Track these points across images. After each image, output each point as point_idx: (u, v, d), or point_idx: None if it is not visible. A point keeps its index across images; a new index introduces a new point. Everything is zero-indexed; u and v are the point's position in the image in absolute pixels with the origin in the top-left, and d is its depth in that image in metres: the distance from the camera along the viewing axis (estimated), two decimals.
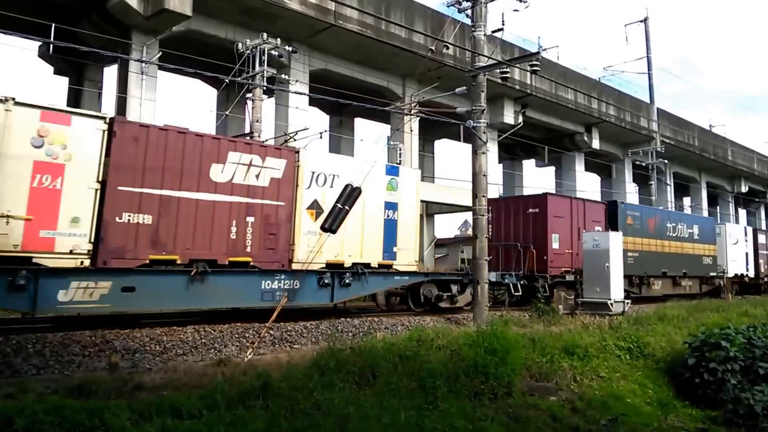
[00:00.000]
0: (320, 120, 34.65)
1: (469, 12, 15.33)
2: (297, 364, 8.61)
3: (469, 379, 9.19)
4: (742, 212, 59.98)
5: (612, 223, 22.00)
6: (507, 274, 18.59)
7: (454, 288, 16.48)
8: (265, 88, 20.44)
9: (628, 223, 22.66)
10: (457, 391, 8.80)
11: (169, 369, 8.69)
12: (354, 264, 14.39)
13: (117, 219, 10.88)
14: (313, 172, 13.87)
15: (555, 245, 19.73)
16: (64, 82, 25.28)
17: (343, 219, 14.15)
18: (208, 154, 12.20)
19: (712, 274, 28.13)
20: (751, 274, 31.96)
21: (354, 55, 26.00)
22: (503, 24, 15.74)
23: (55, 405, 6.18)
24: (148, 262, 11.18)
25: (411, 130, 28.23)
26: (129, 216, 11.04)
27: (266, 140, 20.50)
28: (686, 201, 53.33)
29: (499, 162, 39.35)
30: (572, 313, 16.76)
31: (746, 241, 31.95)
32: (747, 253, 31.83)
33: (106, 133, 10.96)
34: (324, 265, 13.85)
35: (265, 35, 19.99)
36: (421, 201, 19.78)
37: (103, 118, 11.06)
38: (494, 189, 28.62)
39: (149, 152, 11.41)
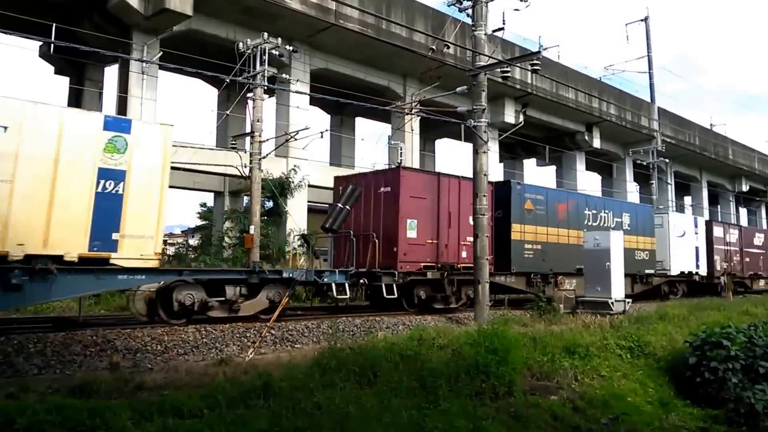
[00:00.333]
0: (321, 119, 34.70)
1: (469, 11, 15.31)
2: (298, 364, 8.62)
3: (470, 379, 9.18)
4: (743, 211, 59.94)
5: (504, 208, 18.42)
6: (330, 271, 14.62)
7: (231, 291, 12.45)
8: (265, 87, 20.43)
9: (526, 208, 18.90)
10: (458, 391, 8.80)
11: (171, 369, 8.70)
12: (31, 256, 9.75)
13: None
14: None
15: (410, 234, 15.48)
16: (64, 81, 25.33)
17: None
18: None
19: (648, 271, 24.08)
20: (703, 272, 27.75)
21: (355, 55, 26.01)
22: (504, 23, 15.72)
23: (57, 405, 6.18)
24: None
25: (412, 130, 28.24)
26: None
27: (267, 140, 20.53)
28: (687, 200, 53.33)
29: (500, 161, 39.42)
30: (573, 312, 16.75)
31: (696, 233, 27.60)
32: (697, 248, 27.25)
33: None
34: None
35: (265, 35, 19.96)
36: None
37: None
38: None
39: None
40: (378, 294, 15.09)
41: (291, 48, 21.05)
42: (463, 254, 16.65)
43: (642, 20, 42.15)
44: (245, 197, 25.42)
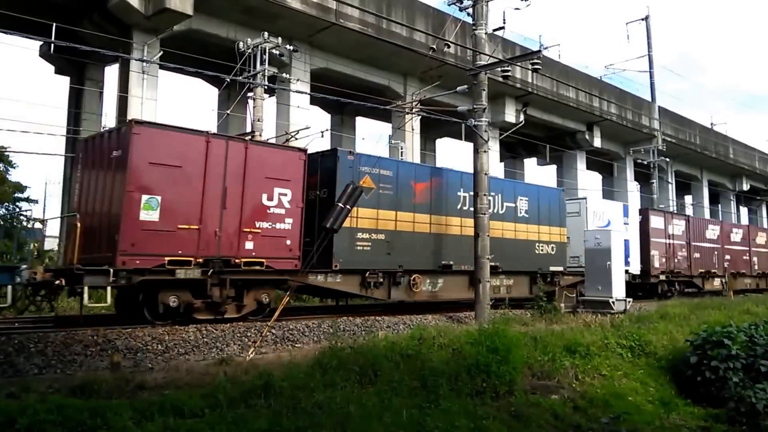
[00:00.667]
0: (322, 119, 34.70)
1: (470, 11, 15.32)
2: (299, 363, 8.61)
3: (471, 378, 9.19)
4: (744, 210, 59.89)
5: (330, 186, 14.41)
6: None
7: None
8: (266, 87, 20.44)
9: (364, 185, 14.30)
10: (458, 390, 8.80)
11: (171, 368, 8.70)
12: None
13: None
14: None
15: (146, 215, 11.18)
16: (65, 81, 25.34)
17: None
18: None
19: (555, 268, 19.61)
20: (635, 269, 23.65)
21: (355, 54, 26.00)
22: (504, 22, 15.73)
23: (57, 404, 6.19)
24: None
25: (412, 129, 28.22)
26: None
27: (268, 139, 20.52)
28: (688, 199, 53.31)
29: (501, 161, 39.43)
30: (574, 311, 16.75)
31: (626, 223, 23.53)
32: (627, 241, 22.33)
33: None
34: None
35: (266, 34, 19.99)
36: None
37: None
38: None
39: None
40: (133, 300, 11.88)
41: (291, 47, 21.08)
42: (248, 245, 12.46)
43: (642, 19, 42.18)
44: None
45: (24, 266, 11.16)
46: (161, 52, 20.88)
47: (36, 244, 19.81)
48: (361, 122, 36.53)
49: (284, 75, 22.15)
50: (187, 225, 11.70)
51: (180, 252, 11.56)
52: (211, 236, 11.98)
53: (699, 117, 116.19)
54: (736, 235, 31.97)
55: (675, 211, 32.54)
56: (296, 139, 21.26)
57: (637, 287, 23.88)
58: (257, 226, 12.67)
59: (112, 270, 10.67)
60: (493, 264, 15.85)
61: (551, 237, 19.83)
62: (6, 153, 28.51)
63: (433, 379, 8.71)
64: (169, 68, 22.60)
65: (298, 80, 23.58)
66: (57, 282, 10.85)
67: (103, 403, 6.50)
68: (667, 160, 40.00)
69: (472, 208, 16.04)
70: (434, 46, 18.71)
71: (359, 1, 23.05)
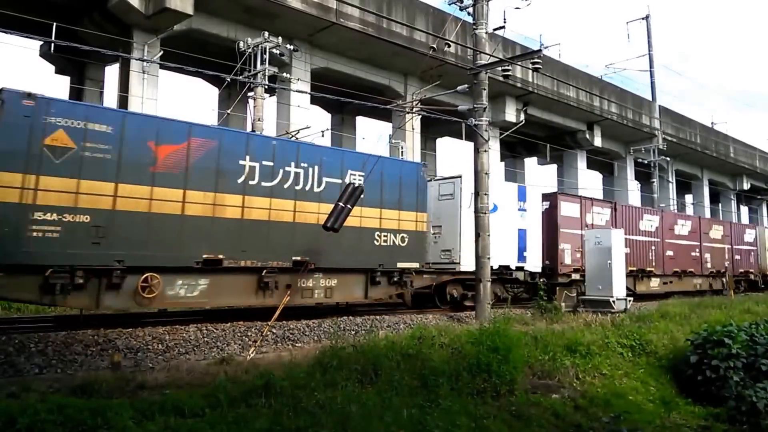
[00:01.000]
0: (322, 118, 34.70)
1: (470, 10, 15.31)
2: (299, 363, 8.61)
3: (472, 377, 9.19)
4: (744, 209, 59.89)
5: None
6: None
7: None
8: (266, 86, 20.45)
9: (54, 143, 10.27)
10: (459, 389, 8.81)
11: (172, 368, 8.70)
12: None
13: None
14: None
15: None
16: (65, 81, 25.35)
17: None
18: None
19: (405, 264, 15.26)
20: (534, 266, 18.67)
21: (355, 54, 26.00)
22: (505, 22, 15.70)
23: (58, 404, 6.19)
24: None
25: (413, 129, 28.22)
26: None
27: None
28: (688, 198, 53.31)
29: (501, 160, 39.40)
30: (574, 310, 16.76)
31: (523, 210, 18.50)
32: (523, 232, 18.31)
33: None
34: None
35: (266, 34, 20.00)
36: None
37: None
38: None
39: None
40: None
41: (291, 47, 21.09)
42: None
43: (643, 18, 42.11)
44: None
45: None
46: (161, 52, 20.89)
47: None
48: (361, 122, 36.58)
49: (284, 74, 22.16)
50: None
51: None
52: None
53: (699, 116, 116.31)
54: (683, 227, 27.18)
55: (598, 198, 26.24)
56: (297, 138, 21.28)
57: (534, 288, 17.27)
58: None
59: None
60: (297, 258, 13.14)
61: (402, 225, 15.26)
62: None
63: (433, 379, 8.71)
64: (170, 68, 22.62)
65: (298, 80, 23.59)
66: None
67: (103, 403, 6.50)
68: (668, 159, 39.97)
69: (264, 184, 12.86)
70: (434, 46, 18.73)
71: (359, 0, 23.06)
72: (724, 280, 28.74)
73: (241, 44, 20.24)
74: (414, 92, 27.15)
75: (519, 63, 21.93)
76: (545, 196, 20.49)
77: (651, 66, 41.43)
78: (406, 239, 15.47)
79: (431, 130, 36.32)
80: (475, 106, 15.17)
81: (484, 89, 15.25)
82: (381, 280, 14.97)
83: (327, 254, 13.69)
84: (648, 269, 24.13)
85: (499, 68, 16.47)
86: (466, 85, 15.52)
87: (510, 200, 18.30)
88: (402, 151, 24.52)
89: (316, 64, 25.22)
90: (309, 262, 13.40)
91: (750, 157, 51.81)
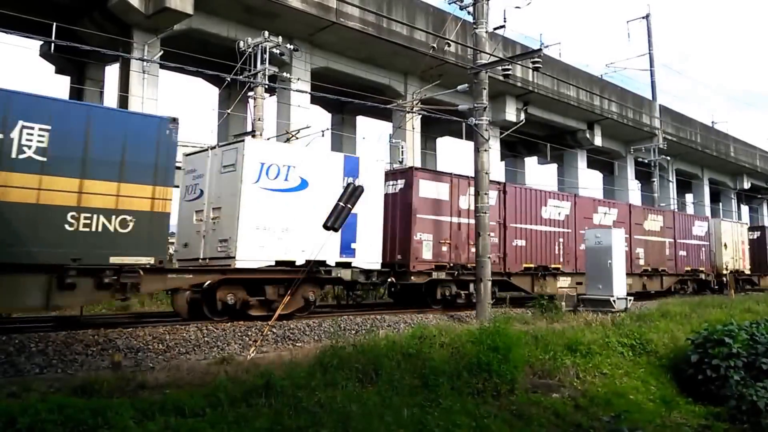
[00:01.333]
0: (322, 118, 34.70)
1: (470, 9, 15.32)
2: (300, 363, 8.61)
3: (472, 377, 9.19)
4: (745, 209, 59.89)
5: None
6: None
7: None
8: (266, 86, 20.44)
9: None
10: (459, 389, 8.80)
11: (172, 367, 8.69)
12: None
13: None
14: None
15: None
16: (65, 81, 25.35)
17: None
18: None
19: (124, 260, 10.52)
20: (370, 262, 14.48)
21: (355, 53, 26.01)
22: (505, 21, 15.73)
23: (59, 404, 6.18)
24: None
25: (413, 128, 28.24)
26: None
27: (268, 138, 20.54)
28: (689, 197, 53.32)
29: (501, 159, 39.39)
30: (575, 310, 16.75)
31: (350, 184, 14.13)
32: (354, 218, 14.06)
33: None
34: None
35: (266, 33, 20.00)
36: None
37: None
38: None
39: None
40: None
41: (292, 46, 21.08)
42: None
43: (643, 17, 42.14)
44: None
45: None
46: (161, 52, 20.90)
47: None
48: (361, 121, 36.58)
49: (285, 74, 22.17)
50: None
51: None
52: None
53: (700, 115, 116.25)
54: (606, 216, 22.55)
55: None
56: (297, 138, 21.28)
57: (353, 286, 15.02)
58: None
59: None
60: None
61: (124, 202, 10.57)
62: None
63: (434, 378, 8.71)
64: (170, 68, 22.61)
65: (298, 79, 23.59)
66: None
67: (104, 403, 6.50)
68: (668, 158, 39.99)
69: (21, 157, 9.44)
70: (435, 45, 18.75)
71: (359, 0, 23.07)
72: (725, 279, 28.67)
73: (241, 44, 20.24)
74: (414, 92, 27.15)
75: (519, 62, 21.95)
76: (398, 173, 16.68)
77: (651, 65, 41.48)
78: (131, 223, 10.65)
79: (431, 130, 36.33)
80: (476, 105, 15.18)
81: (485, 89, 15.25)
82: (78, 281, 10.09)
83: None
84: (553, 266, 19.83)
85: (500, 67, 16.47)
86: (466, 85, 15.52)
87: (331, 175, 13.93)
88: (402, 151, 24.53)
89: (316, 64, 25.23)
90: None
91: (750, 157, 51.81)
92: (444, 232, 16.53)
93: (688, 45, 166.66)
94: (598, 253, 17.96)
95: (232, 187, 12.67)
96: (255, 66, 19.99)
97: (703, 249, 28.09)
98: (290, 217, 12.97)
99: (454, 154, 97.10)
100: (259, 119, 20.08)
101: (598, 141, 38.35)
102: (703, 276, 27.53)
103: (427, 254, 16.06)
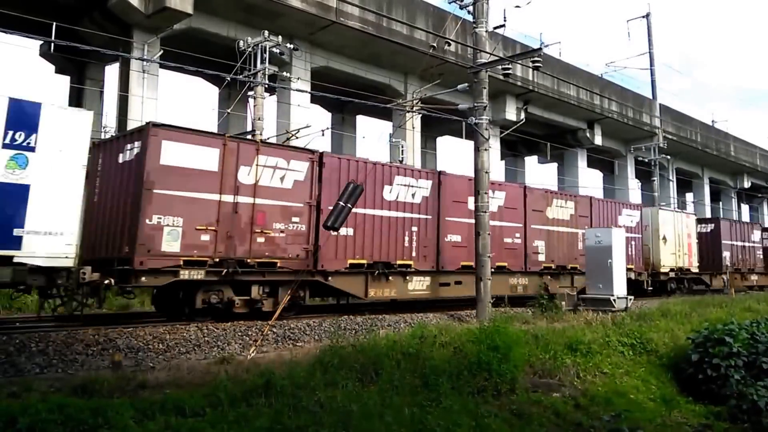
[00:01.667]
0: (322, 117, 34.69)
1: (470, 9, 15.32)
2: (300, 362, 8.62)
3: (472, 376, 9.19)
4: (745, 208, 59.89)
5: None
6: None
7: None
8: (266, 85, 20.43)
9: None
10: (460, 388, 8.80)
11: (173, 367, 8.70)
12: None
13: None
14: None
15: None
16: (65, 81, 25.34)
17: None
18: None
19: None
20: (52, 256, 9.79)
21: (355, 53, 25.99)
22: (505, 20, 15.73)
23: (59, 404, 6.19)
24: None
25: (413, 127, 28.22)
26: None
27: (268, 138, 20.53)
28: (689, 197, 53.31)
29: (502, 159, 39.37)
30: (575, 309, 16.75)
31: (20, 146, 9.59)
32: (15, 190, 9.52)
33: None
34: None
35: (266, 33, 19.98)
36: None
37: None
38: None
39: None
40: None
41: (292, 46, 21.07)
42: None
43: (643, 17, 42.11)
44: None
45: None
46: (161, 51, 20.89)
47: None
48: (361, 121, 36.56)
49: (285, 74, 22.17)
50: None
51: None
52: None
53: (700, 114, 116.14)
54: (492, 201, 16.42)
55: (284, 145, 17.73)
56: (297, 138, 21.27)
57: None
58: None
59: None
60: None
61: None
62: None
63: (434, 378, 8.71)
64: (170, 67, 22.58)
65: (298, 79, 23.59)
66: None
67: (104, 403, 6.50)
68: (668, 157, 39.96)
69: None
70: (435, 45, 18.73)
71: None
72: (724, 277, 28.62)
73: (241, 43, 20.23)
74: (414, 91, 27.13)
75: (519, 62, 21.95)
76: (135, 134, 12.35)
77: (651, 64, 41.46)
78: None
79: (432, 129, 36.32)
80: (476, 104, 15.18)
81: (485, 88, 15.25)
82: None
83: None
84: (399, 263, 15.53)
85: (500, 67, 16.48)
86: (466, 84, 15.52)
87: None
88: (402, 150, 24.54)
89: (316, 63, 25.21)
90: None
91: (751, 156, 51.81)
92: (207, 215, 12.15)
93: (688, 45, 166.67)
94: (598, 253, 17.97)
95: None
96: (255, 65, 19.99)
97: (633, 242, 23.35)
98: None
99: (454, 153, 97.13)
100: (259, 119, 20.08)
101: (598, 140, 38.33)
102: (632, 275, 22.25)
103: (170, 245, 11.63)
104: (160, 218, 11.51)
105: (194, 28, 21.83)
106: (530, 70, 27.70)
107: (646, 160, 36.67)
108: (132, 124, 18.87)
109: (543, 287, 19.06)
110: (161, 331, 10.82)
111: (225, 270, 12.24)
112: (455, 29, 19.05)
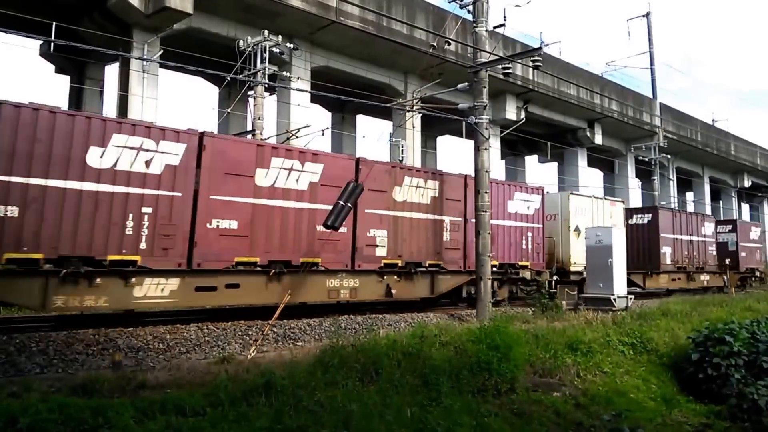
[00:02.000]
0: (322, 117, 34.70)
1: (470, 8, 15.30)
2: (300, 362, 8.61)
3: (473, 376, 9.18)
4: (746, 207, 59.88)
5: None
6: None
7: None
8: (266, 85, 20.43)
9: None
10: (460, 388, 8.80)
11: (173, 367, 8.71)
12: None
13: None
14: None
15: None
16: (65, 80, 25.34)
17: None
18: None
19: None
20: None
21: (355, 52, 25.98)
22: (505, 20, 15.72)
23: (59, 403, 6.19)
24: None
25: (413, 127, 28.21)
26: None
27: (268, 137, 20.52)
28: (689, 196, 53.30)
29: (502, 158, 39.39)
30: (575, 309, 16.76)
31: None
32: None
33: None
34: None
35: (266, 32, 19.97)
36: None
37: None
38: None
39: None
40: None
41: (292, 46, 21.07)
42: None
43: (644, 16, 42.10)
44: None
45: None
46: (161, 51, 20.88)
47: None
48: (361, 120, 36.57)
49: (285, 73, 22.16)
50: None
51: None
52: None
53: (700, 114, 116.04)
54: (300, 176, 13.44)
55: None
56: (297, 137, 21.27)
57: None
58: None
59: None
60: None
61: None
62: None
63: (434, 377, 8.70)
64: (170, 67, 22.58)
65: (298, 78, 23.58)
66: None
67: (104, 402, 6.50)
68: (669, 156, 39.91)
69: None
70: (435, 44, 18.71)
71: None
72: (725, 276, 28.58)
73: (241, 43, 20.22)
74: (414, 90, 27.13)
75: (519, 61, 21.92)
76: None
77: (651, 64, 41.42)
78: None
79: (432, 129, 36.31)
80: (476, 104, 15.17)
81: (485, 87, 15.24)
82: None
83: None
84: (115, 258, 10.83)
85: (500, 66, 16.45)
86: (466, 84, 15.51)
87: None
88: (402, 150, 24.54)
89: (316, 63, 25.20)
90: None
91: (751, 155, 51.79)
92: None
93: (688, 44, 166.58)
94: (598, 252, 17.96)
95: None
96: (255, 65, 19.99)
97: (530, 234, 18.78)
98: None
99: (454, 152, 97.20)
100: (259, 118, 20.08)
101: (598, 139, 38.31)
102: (527, 274, 18.46)
103: None
104: None
105: (194, 27, 21.82)
106: (530, 69, 27.69)
107: (647, 160, 36.66)
108: None
109: (386, 290, 15.10)
110: (161, 331, 10.83)
111: None
112: (455, 29, 19.05)
